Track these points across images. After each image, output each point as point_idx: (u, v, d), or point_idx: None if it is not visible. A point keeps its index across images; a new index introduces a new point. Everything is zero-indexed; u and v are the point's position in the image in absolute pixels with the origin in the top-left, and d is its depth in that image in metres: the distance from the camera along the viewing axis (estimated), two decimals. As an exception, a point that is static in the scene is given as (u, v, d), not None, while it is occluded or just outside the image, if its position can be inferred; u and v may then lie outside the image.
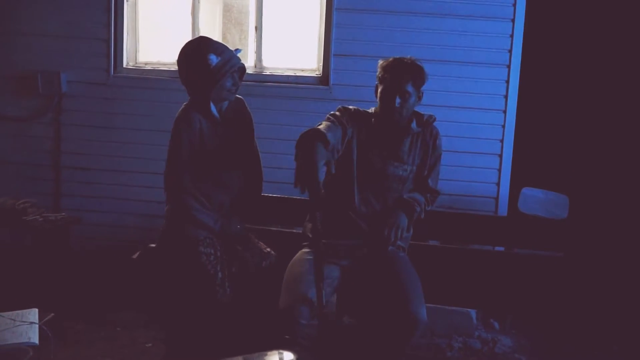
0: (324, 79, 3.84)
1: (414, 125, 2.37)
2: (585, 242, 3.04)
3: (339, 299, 2.77)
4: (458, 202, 3.65)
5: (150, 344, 3.02)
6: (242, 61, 2.34)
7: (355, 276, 2.38)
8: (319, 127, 2.08)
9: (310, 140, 1.93)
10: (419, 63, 2.32)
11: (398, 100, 2.25)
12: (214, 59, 2.18)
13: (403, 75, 2.25)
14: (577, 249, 3.01)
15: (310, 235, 2.26)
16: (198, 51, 2.22)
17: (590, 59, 4.56)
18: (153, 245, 2.46)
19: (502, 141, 3.71)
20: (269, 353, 1.11)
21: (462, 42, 3.69)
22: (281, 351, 1.10)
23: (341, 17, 3.76)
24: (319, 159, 1.88)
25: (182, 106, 2.32)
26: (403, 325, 2.13)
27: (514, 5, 3.66)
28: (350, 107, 2.39)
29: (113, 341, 3.05)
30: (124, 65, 3.94)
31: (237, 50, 2.33)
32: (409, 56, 2.34)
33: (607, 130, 4.49)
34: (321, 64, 3.87)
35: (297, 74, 3.90)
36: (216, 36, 4.35)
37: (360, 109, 2.40)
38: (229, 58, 2.24)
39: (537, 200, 3.34)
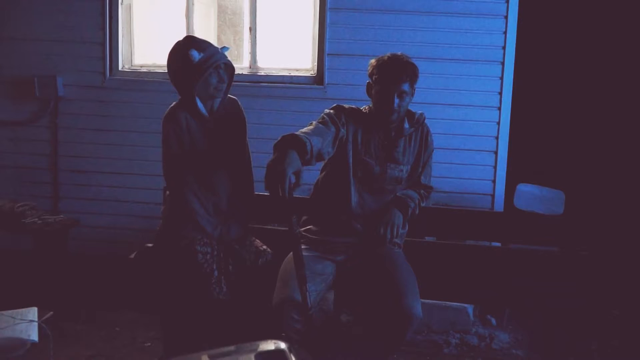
0: (318, 79, 3.86)
1: (407, 125, 2.38)
2: (581, 237, 3.06)
3: (336, 296, 2.79)
4: (455, 200, 3.67)
5: (149, 344, 3.03)
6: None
7: (351, 272, 2.39)
8: (304, 130, 2.08)
9: (284, 147, 1.94)
10: (412, 61, 2.32)
11: (397, 100, 2.25)
12: (195, 54, 2.20)
13: (400, 75, 2.24)
14: (573, 244, 3.02)
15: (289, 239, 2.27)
16: (181, 48, 2.24)
17: (585, 55, 4.58)
18: (150, 245, 2.47)
19: (497, 138, 3.73)
20: (261, 343, 1.12)
21: (455, 40, 3.71)
22: (274, 341, 1.12)
23: (335, 16, 3.78)
24: (289, 168, 1.88)
25: (171, 105, 2.34)
26: (398, 320, 2.14)
27: (507, 2, 3.68)
28: (346, 106, 2.40)
29: (112, 341, 3.06)
30: (120, 68, 3.96)
31: (224, 48, 2.33)
32: (400, 53, 2.34)
33: (603, 125, 4.50)
34: (315, 63, 3.89)
35: (292, 74, 3.92)
36: (211, 38, 4.37)
37: (356, 108, 2.40)
38: (213, 54, 2.24)
39: (532, 196, 3.36)
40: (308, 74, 3.92)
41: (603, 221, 3.32)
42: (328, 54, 3.81)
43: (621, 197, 4.18)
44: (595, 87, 4.54)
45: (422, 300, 2.23)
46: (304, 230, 2.45)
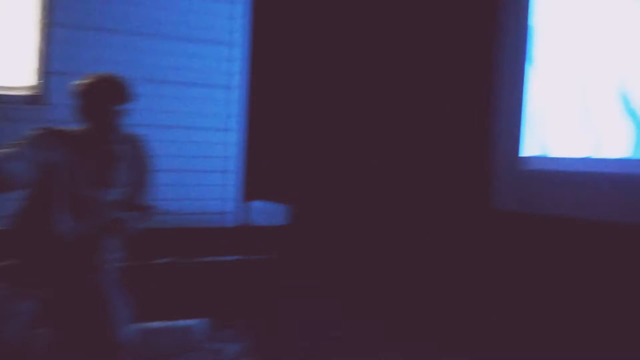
0: (41, 98, 3.59)
1: (121, 147, 2.36)
2: (302, 244, 3.46)
3: (50, 332, 2.59)
4: (189, 221, 3.75)
5: None
6: None
7: (62, 305, 2.26)
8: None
9: None
10: (122, 80, 2.31)
11: (109, 121, 2.21)
12: None
13: (110, 96, 2.21)
14: (294, 251, 3.39)
15: None
16: None
17: (313, 79, 5.14)
18: None
19: (228, 158, 3.96)
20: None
21: (183, 64, 3.86)
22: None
23: (60, 33, 3.60)
24: None
25: None
26: (108, 349, 2.11)
27: (236, 32, 3.98)
28: (56, 127, 2.27)
29: None
30: None
31: None
32: (110, 73, 2.30)
33: (331, 141, 5.10)
34: (39, 82, 3.61)
35: (8, 93, 3.56)
36: None
37: (67, 130, 2.28)
38: None
39: (260, 210, 3.68)
40: (29, 93, 3.60)
41: (322, 229, 3.81)
42: (53, 72, 3.57)
43: (341, 208, 4.82)
44: (322, 106, 5.14)
45: (153, 323, 2.23)
46: (2, 266, 2.22)
